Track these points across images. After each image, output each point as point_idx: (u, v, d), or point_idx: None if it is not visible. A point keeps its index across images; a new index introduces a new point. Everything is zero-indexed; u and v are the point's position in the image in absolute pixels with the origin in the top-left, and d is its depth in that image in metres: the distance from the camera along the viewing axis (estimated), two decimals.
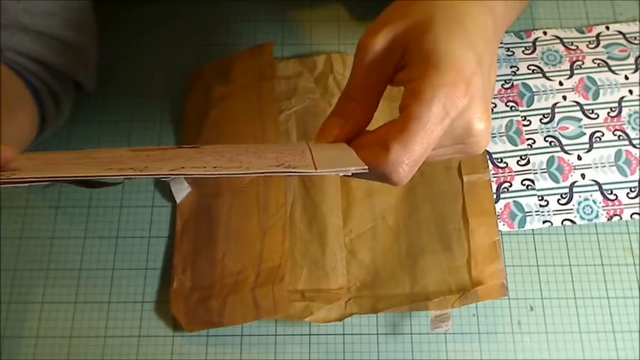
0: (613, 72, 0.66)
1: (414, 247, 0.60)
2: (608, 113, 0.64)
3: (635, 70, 0.66)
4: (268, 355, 0.57)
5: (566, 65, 0.67)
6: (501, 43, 0.68)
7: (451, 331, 0.57)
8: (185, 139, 0.65)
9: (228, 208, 0.62)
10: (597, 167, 0.62)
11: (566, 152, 0.63)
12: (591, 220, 0.61)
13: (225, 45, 0.70)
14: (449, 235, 0.60)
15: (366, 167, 0.36)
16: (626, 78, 0.66)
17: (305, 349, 0.57)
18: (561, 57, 0.67)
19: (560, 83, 0.66)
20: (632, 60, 0.67)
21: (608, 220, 0.61)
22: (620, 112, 0.64)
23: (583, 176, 0.62)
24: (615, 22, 0.70)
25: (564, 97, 0.65)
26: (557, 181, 0.62)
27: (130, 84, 0.68)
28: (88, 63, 0.62)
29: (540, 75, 0.66)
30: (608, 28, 0.69)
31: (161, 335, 0.58)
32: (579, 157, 0.63)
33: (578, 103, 0.65)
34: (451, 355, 0.57)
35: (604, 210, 0.61)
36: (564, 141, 0.63)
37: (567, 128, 0.64)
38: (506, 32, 0.68)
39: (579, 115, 0.64)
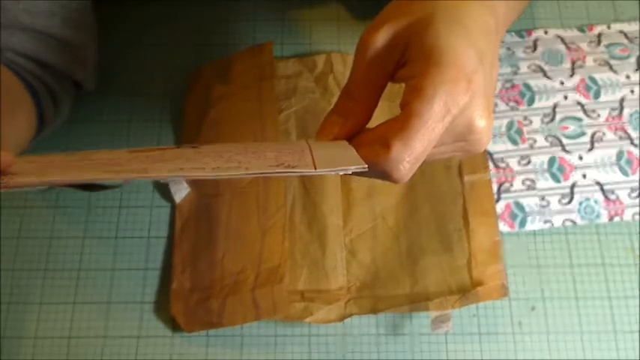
0: (614, 71, 0.66)
1: (414, 248, 0.60)
2: (609, 113, 0.64)
3: (637, 70, 0.66)
4: (268, 355, 0.57)
5: (568, 65, 0.67)
6: (502, 42, 0.68)
7: (451, 331, 0.57)
8: (184, 139, 0.65)
9: (228, 209, 0.61)
10: (598, 167, 0.62)
11: (567, 152, 0.63)
12: (592, 220, 0.61)
13: (225, 45, 0.70)
14: (449, 235, 0.60)
15: (366, 166, 0.36)
16: (628, 77, 0.66)
17: (305, 349, 0.57)
18: (562, 56, 0.67)
19: (562, 83, 0.66)
20: (633, 59, 0.67)
21: (610, 220, 0.61)
22: (621, 111, 0.64)
23: (584, 176, 0.62)
24: (616, 22, 0.70)
25: (565, 97, 0.65)
26: (558, 181, 0.62)
27: (130, 84, 0.68)
28: (87, 62, 0.62)
29: (541, 74, 0.66)
30: (609, 27, 0.69)
31: (160, 335, 0.58)
32: (580, 157, 0.63)
33: (579, 103, 0.65)
34: (451, 356, 0.57)
35: (605, 210, 0.61)
36: (565, 141, 0.63)
37: (568, 128, 0.64)
38: (507, 31, 0.67)
39: (580, 114, 0.64)
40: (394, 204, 0.61)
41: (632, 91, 0.65)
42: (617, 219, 0.61)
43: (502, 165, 0.63)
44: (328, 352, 0.57)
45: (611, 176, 0.62)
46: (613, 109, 0.64)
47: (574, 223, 0.61)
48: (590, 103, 0.65)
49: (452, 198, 0.61)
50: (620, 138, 0.63)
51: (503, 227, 0.60)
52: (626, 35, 0.68)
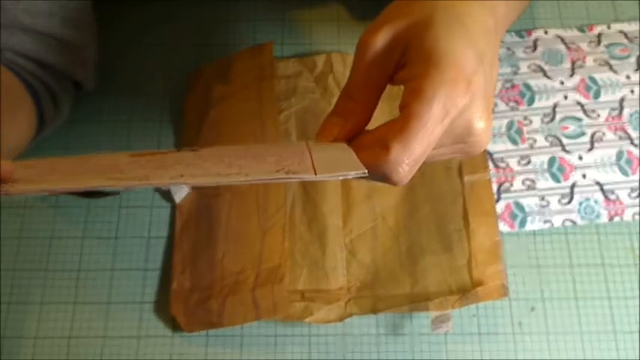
0: (614, 71, 0.66)
1: (414, 248, 0.60)
2: (609, 113, 0.64)
3: (637, 70, 0.66)
4: (268, 355, 0.57)
5: (568, 64, 0.67)
6: (502, 42, 0.68)
7: (451, 331, 0.57)
8: (184, 139, 0.65)
9: (228, 209, 0.61)
10: (598, 167, 0.62)
11: (567, 152, 0.63)
12: (592, 220, 0.61)
13: (225, 45, 0.70)
14: (449, 235, 0.60)
15: (366, 171, 0.36)
16: (628, 77, 0.66)
17: (305, 349, 0.57)
18: (562, 56, 0.67)
19: (562, 83, 0.66)
20: (633, 59, 0.67)
21: (610, 220, 0.61)
22: (621, 111, 0.64)
23: (584, 176, 0.62)
24: (616, 22, 0.70)
25: (565, 97, 0.65)
26: (558, 181, 0.62)
27: (130, 84, 0.68)
28: (87, 62, 0.62)
29: (541, 74, 0.66)
30: (609, 27, 0.69)
31: (160, 335, 0.58)
32: (580, 157, 0.63)
33: (579, 103, 0.65)
34: (451, 356, 0.57)
35: (605, 210, 0.61)
36: (565, 141, 0.63)
37: (568, 128, 0.64)
38: (507, 31, 0.67)
39: (580, 114, 0.64)
40: (394, 204, 0.61)
41: (632, 91, 0.65)
42: (617, 219, 0.61)
43: (502, 165, 0.63)
44: (328, 352, 0.57)
45: (611, 176, 0.62)
46: (613, 109, 0.64)
47: (574, 223, 0.61)
48: (590, 103, 0.65)
49: (452, 198, 0.61)
50: (620, 138, 0.63)
51: (503, 227, 0.60)
52: (626, 35, 0.68)
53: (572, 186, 0.62)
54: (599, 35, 0.68)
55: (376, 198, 0.62)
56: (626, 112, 0.64)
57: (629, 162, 0.62)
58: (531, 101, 0.65)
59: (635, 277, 0.59)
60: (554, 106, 0.65)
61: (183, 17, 0.72)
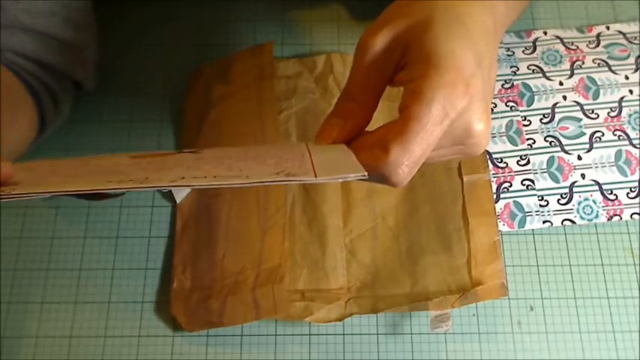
0: (613, 72, 0.66)
1: (414, 247, 0.60)
2: (608, 113, 0.64)
3: (636, 70, 0.66)
4: (268, 355, 0.57)
5: (567, 65, 0.67)
6: (501, 42, 0.68)
7: (451, 331, 0.57)
8: (185, 140, 0.65)
9: (228, 208, 0.62)
10: (597, 167, 0.62)
11: (566, 152, 0.63)
12: (591, 220, 0.61)
13: (225, 45, 0.71)
14: (449, 235, 0.60)
15: (366, 174, 0.36)
16: (627, 78, 0.66)
17: (305, 349, 0.57)
18: (561, 57, 0.67)
19: (561, 83, 0.66)
20: (632, 60, 0.67)
21: (608, 220, 0.61)
22: (620, 112, 0.64)
23: (583, 176, 0.62)
24: (615, 22, 0.70)
25: (564, 97, 0.65)
26: (557, 181, 0.62)
27: (130, 84, 0.68)
28: (87, 62, 0.62)
29: (540, 75, 0.66)
30: (608, 27, 0.69)
31: (161, 335, 0.58)
32: (579, 157, 0.63)
33: (578, 103, 0.65)
34: (451, 355, 0.57)
35: (604, 210, 0.61)
36: (564, 141, 0.63)
37: (567, 128, 0.64)
38: (507, 32, 0.68)
39: (579, 115, 0.64)
40: (394, 204, 0.61)
41: (630, 92, 0.65)
42: (615, 219, 0.61)
43: (501, 165, 0.63)
44: (328, 352, 0.57)
45: (610, 176, 0.62)
46: (612, 110, 0.64)
47: (573, 222, 0.61)
48: (589, 104, 0.65)
49: (452, 198, 0.61)
50: (619, 138, 0.63)
51: (502, 227, 0.61)
52: (625, 36, 0.68)
53: (571, 186, 0.62)
54: (599, 36, 0.68)
55: (376, 198, 0.62)
56: (625, 112, 0.64)
57: (628, 162, 0.62)
58: (530, 101, 0.65)
59: (634, 277, 0.59)
60: (554, 107, 0.65)
61: (183, 17, 0.72)
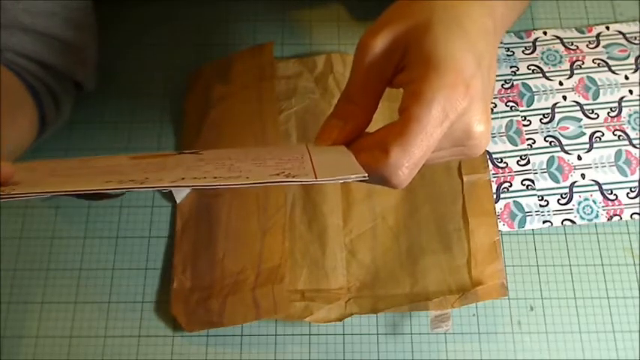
0: (613, 72, 0.66)
1: (414, 247, 0.60)
2: (608, 113, 0.64)
3: (635, 70, 0.66)
4: (268, 355, 0.57)
5: (566, 65, 0.67)
6: (501, 43, 0.68)
7: (451, 331, 0.57)
8: (185, 140, 0.65)
9: (228, 208, 0.62)
10: (597, 167, 0.62)
11: (566, 152, 0.63)
12: (591, 220, 0.61)
13: (225, 45, 0.70)
14: (449, 235, 0.60)
15: (366, 175, 0.36)
16: (626, 78, 0.66)
17: (305, 349, 0.57)
18: (561, 57, 0.67)
19: (560, 83, 0.66)
20: (632, 60, 0.67)
21: (608, 220, 0.61)
22: (620, 112, 0.64)
23: (583, 176, 0.62)
24: (615, 22, 0.70)
25: (564, 97, 0.65)
26: (557, 181, 0.62)
27: (130, 84, 0.68)
28: (88, 63, 0.62)
29: (540, 75, 0.66)
30: (608, 28, 0.69)
31: (161, 335, 0.58)
32: (579, 157, 0.63)
33: (578, 103, 0.65)
34: (451, 355, 0.57)
35: (604, 210, 0.61)
36: (564, 141, 0.63)
37: (567, 128, 0.64)
38: (507, 32, 0.68)
39: (579, 115, 0.64)
40: (394, 204, 0.62)
41: (630, 92, 0.65)
42: (615, 219, 0.61)
43: (501, 165, 0.63)
44: (328, 352, 0.57)
45: (610, 176, 0.62)
46: (612, 110, 0.65)
47: (573, 222, 0.61)
48: (589, 104, 0.65)
49: (452, 198, 0.61)
50: (619, 138, 0.63)
51: (502, 227, 0.61)
52: (624, 36, 0.68)
53: (571, 186, 0.62)
54: (598, 36, 0.68)
55: (376, 198, 0.62)
56: (624, 112, 0.64)
57: (627, 162, 0.62)
58: (530, 102, 0.65)
59: (634, 277, 0.60)
60: (554, 107, 0.65)
61: (183, 17, 0.72)
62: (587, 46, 0.68)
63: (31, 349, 0.58)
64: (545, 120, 0.64)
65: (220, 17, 0.72)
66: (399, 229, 0.61)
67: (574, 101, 0.65)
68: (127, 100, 0.68)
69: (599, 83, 0.66)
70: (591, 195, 0.62)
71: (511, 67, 0.67)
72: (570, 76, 0.66)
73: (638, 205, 0.61)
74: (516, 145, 0.63)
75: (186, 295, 0.58)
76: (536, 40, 0.69)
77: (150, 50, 0.70)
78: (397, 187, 0.40)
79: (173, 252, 0.60)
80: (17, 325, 0.58)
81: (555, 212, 0.61)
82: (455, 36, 0.40)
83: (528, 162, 0.63)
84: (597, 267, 0.60)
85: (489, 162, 0.63)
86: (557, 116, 0.64)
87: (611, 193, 0.62)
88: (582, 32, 0.69)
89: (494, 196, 0.61)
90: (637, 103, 0.65)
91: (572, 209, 0.61)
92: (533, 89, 0.66)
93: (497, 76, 0.66)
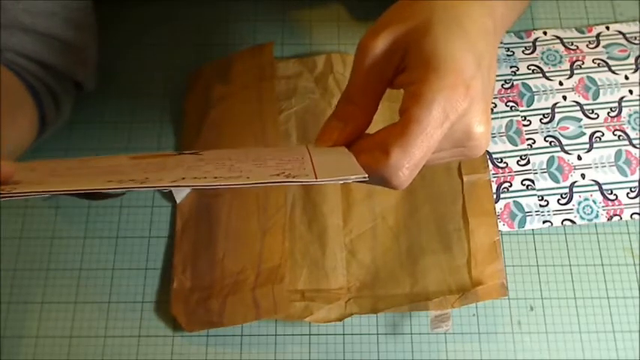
0: (613, 72, 0.66)
1: (414, 247, 0.60)
2: (608, 113, 0.64)
3: (635, 70, 0.66)
4: (268, 355, 0.57)
5: (566, 65, 0.67)
6: (501, 43, 0.68)
7: (451, 331, 0.57)
8: (185, 140, 0.65)
9: (228, 209, 0.62)
10: (597, 167, 0.62)
11: (566, 152, 0.63)
12: (591, 220, 0.61)
13: (225, 45, 0.70)
14: (449, 235, 0.60)
15: (367, 175, 0.36)
16: (626, 78, 0.66)
17: (305, 349, 0.57)
18: (561, 57, 0.67)
19: (560, 83, 0.66)
20: (632, 60, 0.67)
21: (608, 220, 0.61)
22: (620, 112, 0.64)
23: (583, 176, 0.62)
24: (615, 22, 0.70)
25: (564, 97, 0.65)
26: (557, 181, 0.62)
27: (130, 84, 0.68)
28: (88, 63, 0.62)
29: (540, 75, 0.66)
30: (608, 28, 0.69)
31: (161, 335, 0.58)
32: (579, 157, 0.63)
33: (578, 103, 0.65)
34: (451, 355, 0.57)
35: (604, 210, 0.61)
36: (564, 141, 0.63)
37: (567, 128, 0.64)
38: (506, 32, 0.68)
39: (579, 115, 0.64)
40: (394, 204, 0.62)
41: (630, 92, 0.65)
42: (615, 219, 0.61)
43: (501, 165, 0.63)
44: (328, 352, 0.57)
45: (610, 176, 0.62)
46: (612, 110, 0.65)
47: (573, 222, 0.61)
48: (589, 104, 0.65)
49: (452, 198, 0.61)
50: (619, 138, 0.63)
51: (502, 227, 0.61)
52: (624, 36, 0.68)
53: (571, 186, 0.62)
54: (598, 36, 0.68)
55: (376, 198, 0.62)
56: (624, 112, 0.64)
57: (627, 162, 0.62)
58: (530, 102, 0.65)
59: (634, 277, 0.60)
60: (554, 107, 0.65)
61: (183, 17, 0.72)
62: (587, 46, 0.68)
63: (31, 349, 0.58)
64: (545, 120, 0.64)
65: (220, 17, 0.72)
66: (399, 229, 0.61)
67: (574, 101, 0.65)
68: (127, 100, 0.68)
69: (599, 83, 0.66)
70: (591, 195, 0.62)
71: (511, 67, 0.67)
72: (570, 76, 0.66)
73: (638, 205, 0.61)
74: (516, 145, 0.63)
75: (186, 295, 0.58)
76: (536, 40, 0.69)
77: (150, 50, 0.70)
78: (398, 188, 0.40)
79: (173, 252, 0.60)
80: (17, 325, 0.58)
81: (555, 212, 0.61)
82: (455, 36, 0.40)
83: (528, 162, 0.63)
84: (597, 267, 0.60)
85: (489, 162, 0.63)
86: (557, 116, 0.64)
87: (611, 193, 0.62)
88: (582, 32, 0.69)
89: (494, 196, 0.61)
90: (637, 103, 0.65)
91: (572, 209, 0.61)
92: (533, 89, 0.66)
93: (497, 76, 0.66)
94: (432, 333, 0.57)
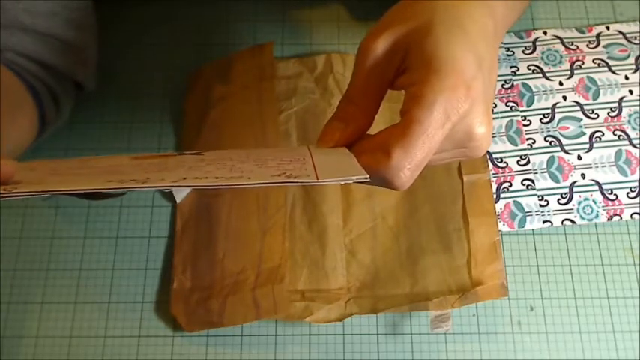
0: (613, 72, 0.66)
1: (414, 247, 0.60)
2: (608, 113, 0.64)
3: (635, 70, 0.66)
4: (268, 355, 0.57)
5: (566, 65, 0.67)
6: (501, 43, 0.68)
7: (451, 331, 0.57)
8: (185, 140, 0.65)
9: (228, 209, 0.62)
10: (597, 167, 0.62)
11: (566, 152, 0.63)
12: (591, 220, 0.61)
13: (225, 45, 0.70)
14: (449, 235, 0.60)
15: (368, 176, 0.36)
16: (626, 78, 0.66)
17: (305, 349, 0.57)
18: (561, 57, 0.67)
19: (560, 83, 0.66)
20: (632, 60, 0.67)
21: (608, 220, 0.61)
22: (620, 112, 0.64)
23: (583, 176, 0.62)
24: (615, 22, 0.70)
25: (564, 97, 0.65)
26: (557, 181, 0.62)
27: (130, 84, 0.68)
28: (88, 63, 0.62)
29: (540, 75, 0.66)
30: (608, 28, 0.69)
31: (161, 335, 0.58)
32: (579, 157, 0.63)
33: (578, 103, 0.65)
34: (451, 355, 0.57)
35: (604, 210, 0.61)
36: (564, 141, 0.63)
37: (567, 128, 0.64)
38: (507, 32, 0.68)
39: (579, 115, 0.64)
40: (394, 204, 0.62)
41: (630, 92, 0.65)
42: (615, 219, 0.61)
43: (501, 165, 0.63)
44: (328, 352, 0.57)
45: (610, 176, 0.62)
46: (612, 110, 0.65)
47: (573, 222, 0.61)
48: (589, 104, 0.65)
49: (452, 198, 0.61)
50: (619, 138, 0.63)
51: (502, 227, 0.61)
52: (624, 36, 0.68)
53: (571, 186, 0.62)
54: (598, 36, 0.68)
55: (376, 198, 0.62)
56: (624, 112, 0.64)
57: (627, 162, 0.62)
58: (530, 102, 0.65)
59: (634, 277, 0.60)
60: (554, 107, 0.65)
61: (183, 17, 0.72)
62: (587, 46, 0.68)
63: (31, 349, 0.58)
64: (545, 120, 0.64)
65: (220, 17, 0.72)
66: (399, 229, 0.61)
67: (574, 101, 0.65)
68: (126, 100, 0.68)
69: (599, 83, 0.66)
70: (591, 195, 0.62)
71: (511, 67, 0.67)
72: (570, 76, 0.66)
73: (638, 205, 0.61)
74: (516, 145, 0.63)
75: (186, 295, 0.58)
76: (536, 40, 0.69)
77: (150, 50, 0.70)
78: (399, 189, 0.40)
79: (173, 252, 0.60)
80: (17, 325, 0.58)
81: (555, 212, 0.61)
82: (456, 38, 0.40)
83: (528, 162, 0.63)
84: (597, 267, 0.60)
85: (489, 162, 0.63)
86: (557, 116, 0.64)
87: (611, 193, 0.62)
88: (582, 32, 0.69)
89: (494, 196, 0.61)
90: (637, 103, 0.65)
91: (572, 209, 0.61)
92: (533, 89, 0.66)
93: (498, 76, 0.66)
94: (432, 333, 0.57)
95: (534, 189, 0.62)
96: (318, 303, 0.57)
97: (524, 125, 0.64)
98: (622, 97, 0.65)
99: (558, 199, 0.61)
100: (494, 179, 0.62)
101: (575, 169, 0.62)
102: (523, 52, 0.68)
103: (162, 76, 0.69)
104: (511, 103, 0.65)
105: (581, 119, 0.64)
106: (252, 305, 0.57)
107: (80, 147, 0.65)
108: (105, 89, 0.67)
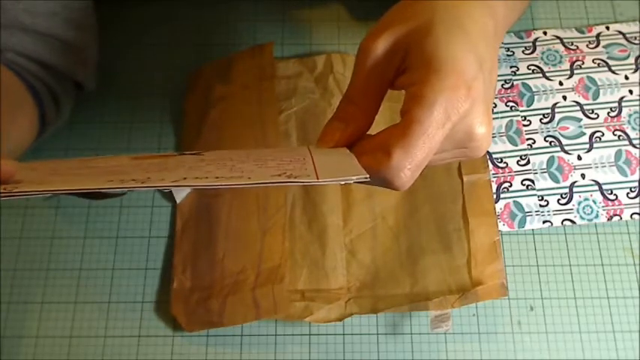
0: (613, 72, 0.66)
1: (414, 247, 0.60)
2: (608, 113, 0.64)
3: (635, 70, 0.66)
4: (268, 355, 0.57)
5: (566, 65, 0.67)
6: (501, 43, 0.68)
7: (451, 331, 0.57)
8: (185, 140, 0.65)
9: (228, 209, 0.62)
10: (597, 167, 0.62)
11: (566, 152, 0.63)
12: (591, 220, 0.61)
13: (225, 45, 0.70)
14: (449, 235, 0.60)
15: (368, 176, 0.36)
16: (626, 78, 0.66)
17: (305, 349, 0.57)
18: (561, 57, 0.67)
19: (560, 83, 0.66)
20: (632, 60, 0.67)
21: (608, 220, 0.61)
22: (620, 112, 0.64)
23: (583, 176, 0.62)
24: (615, 22, 0.70)
25: (564, 97, 0.65)
26: (557, 181, 0.62)
27: (130, 84, 0.68)
28: (88, 63, 0.62)
29: (540, 75, 0.66)
30: (608, 28, 0.69)
31: (161, 335, 0.58)
32: (579, 157, 0.63)
33: (578, 103, 0.65)
34: (451, 355, 0.57)
35: (604, 210, 0.61)
36: (564, 141, 0.63)
37: (567, 128, 0.64)
38: (507, 32, 0.68)
39: (579, 115, 0.64)
40: (394, 204, 0.62)
41: (630, 92, 0.65)
42: (615, 219, 0.61)
43: (501, 165, 0.63)
44: (328, 352, 0.57)
45: (610, 176, 0.62)
46: (612, 110, 0.65)
47: (573, 222, 0.61)
48: (589, 104, 0.65)
49: (452, 198, 0.61)
50: (619, 138, 0.63)
51: (502, 227, 0.61)
52: (624, 36, 0.68)
53: (571, 186, 0.62)
54: (598, 36, 0.68)
55: (376, 198, 0.62)
56: (624, 112, 0.64)
57: (627, 162, 0.62)
58: (530, 102, 0.65)
59: (634, 277, 0.60)
60: (554, 107, 0.65)
61: (183, 17, 0.72)
62: (587, 46, 0.68)
63: (31, 349, 0.58)
64: (545, 120, 0.64)
65: (220, 17, 0.72)
66: (399, 229, 0.61)
67: (574, 101, 0.65)
68: (127, 100, 0.68)
69: (599, 83, 0.66)
70: (591, 195, 0.62)
71: (511, 67, 0.67)
72: (570, 76, 0.66)
73: (638, 205, 0.61)
74: (516, 145, 0.63)
75: (186, 295, 0.58)
76: (536, 40, 0.69)
77: (150, 50, 0.70)
78: (399, 189, 0.40)
79: (173, 252, 0.60)
80: (17, 325, 0.58)
81: (555, 212, 0.61)
82: (456, 38, 0.40)
83: (528, 162, 0.63)
84: (597, 267, 0.60)
85: (489, 162, 0.63)
86: (557, 116, 0.64)
87: (611, 193, 0.62)
88: (582, 32, 0.69)
89: (494, 196, 0.61)
90: (637, 103, 0.65)
91: (572, 209, 0.61)
92: (533, 89, 0.66)
93: (498, 76, 0.66)
94: (432, 333, 0.57)
95: (534, 189, 0.62)
96: (318, 303, 0.57)
97: (524, 125, 0.64)
98: (622, 97, 0.65)
99: (558, 199, 0.61)
100: (495, 179, 0.62)
101: (575, 169, 0.62)
102: (523, 52, 0.68)
103: (162, 76, 0.69)
104: (511, 103, 0.65)
105: (581, 119, 0.64)
106: (252, 305, 0.57)
107: (80, 147, 0.65)
108: (105, 89, 0.67)
